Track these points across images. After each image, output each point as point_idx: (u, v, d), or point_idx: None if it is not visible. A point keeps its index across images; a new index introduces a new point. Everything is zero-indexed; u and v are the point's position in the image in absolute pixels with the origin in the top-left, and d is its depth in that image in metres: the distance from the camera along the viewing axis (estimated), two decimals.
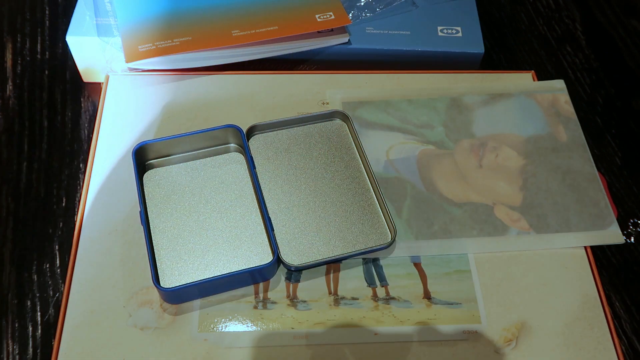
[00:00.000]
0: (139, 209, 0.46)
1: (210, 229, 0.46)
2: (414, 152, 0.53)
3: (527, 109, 0.56)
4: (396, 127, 0.54)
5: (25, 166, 0.54)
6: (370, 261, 0.46)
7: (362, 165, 0.51)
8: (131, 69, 0.56)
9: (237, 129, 0.50)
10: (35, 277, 0.48)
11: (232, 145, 0.51)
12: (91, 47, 0.56)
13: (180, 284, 0.42)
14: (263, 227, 0.47)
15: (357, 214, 0.48)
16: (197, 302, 0.44)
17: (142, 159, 0.49)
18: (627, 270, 0.51)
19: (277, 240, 0.46)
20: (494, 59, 0.65)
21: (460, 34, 0.59)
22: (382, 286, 0.45)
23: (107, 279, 0.44)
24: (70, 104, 0.59)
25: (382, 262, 0.46)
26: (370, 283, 0.45)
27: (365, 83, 0.57)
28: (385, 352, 0.42)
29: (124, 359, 0.41)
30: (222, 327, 0.43)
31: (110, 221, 0.47)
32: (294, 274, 0.45)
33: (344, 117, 0.53)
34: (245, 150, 0.50)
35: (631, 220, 0.52)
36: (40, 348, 0.45)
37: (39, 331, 0.46)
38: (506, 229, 0.48)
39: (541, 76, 0.60)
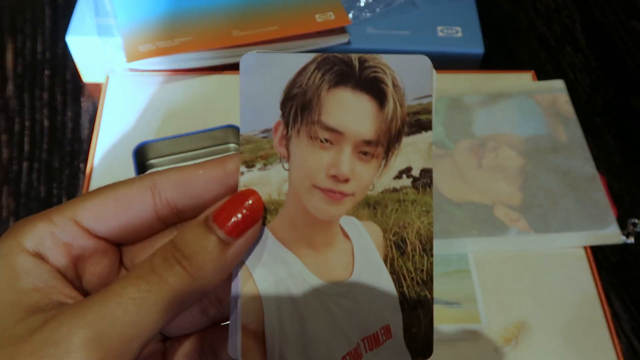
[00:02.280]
0: None
1: None
2: None
3: (526, 109, 0.56)
4: None
5: (25, 166, 0.55)
6: None
7: None
8: (131, 69, 0.56)
9: (237, 129, 0.50)
10: None
11: (232, 145, 0.51)
12: (91, 47, 0.56)
13: None
14: None
15: None
16: None
17: (143, 158, 0.49)
18: (627, 270, 0.51)
19: None
20: (494, 59, 0.65)
21: (460, 34, 0.59)
22: None
23: None
24: (70, 104, 0.59)
25: None
26: None
27: None
28: None
29: None
30: None
31: None
32: None
33: None
34: None
35: (631, 220, 0.52)
36: None
37: None
38: (506, 229, 0.49)
39: (541, 76, 0.60)
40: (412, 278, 0.24)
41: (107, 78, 0.56)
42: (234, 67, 0.56)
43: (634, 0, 0.71)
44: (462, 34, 0.60)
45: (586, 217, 0.49)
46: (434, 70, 0.24)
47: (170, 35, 0.54)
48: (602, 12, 0.70)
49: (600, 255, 0.51)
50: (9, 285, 0.21)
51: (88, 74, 0.60)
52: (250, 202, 0.23)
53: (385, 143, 0.24)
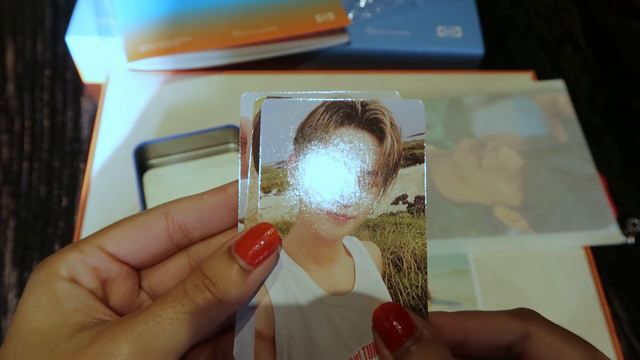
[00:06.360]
0: (140, 209, 0.46)
1: None
2: None
3: (526, 109, 0.56)
4: None
5: (25, 166, 0.55)
6: None
7: None
8: (132, 69, 0.56)
9: (237, 129, 0.50)
10: None
11: (232, 145, 0.51)
12: (91, 47, 0.56)
13: None
14: None
15: None
16: None
17: (143, 158, 0.49)
18: (627, 270, 0.51)
19: None
20: (494, 59, 0.65)
21: (460, 34, 0.59)
22: None
23: None
24: (70, 104, 0.59)
25: None
26: None
27: (365, 83, 0.57)
28: None
29: None
30: None
31: (111, 221, 0.47)
32: None
33: None
34: None
35: (630, 220, 0.52)
36: None
37: None
38: (506, 229, 0.49)
39: (541, 76, 0.60)
40: (408, 293, 0.27)
41: (107, 78, 0.56)
42: (234, 67, 0.56)
43: (634, 0, 0.71)
44: (462, 34, 0.60)
45: (586, 217, 0.49)
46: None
47: (170, 35, 0.54)
48: (602, 12, 0.70)
49: (600, 255, 0.51)
50: (54, 309, 0.24)
51: (88, 74, 0.60)
52: (267, 234, 0.26)
53: (384, 173, 0.27)
